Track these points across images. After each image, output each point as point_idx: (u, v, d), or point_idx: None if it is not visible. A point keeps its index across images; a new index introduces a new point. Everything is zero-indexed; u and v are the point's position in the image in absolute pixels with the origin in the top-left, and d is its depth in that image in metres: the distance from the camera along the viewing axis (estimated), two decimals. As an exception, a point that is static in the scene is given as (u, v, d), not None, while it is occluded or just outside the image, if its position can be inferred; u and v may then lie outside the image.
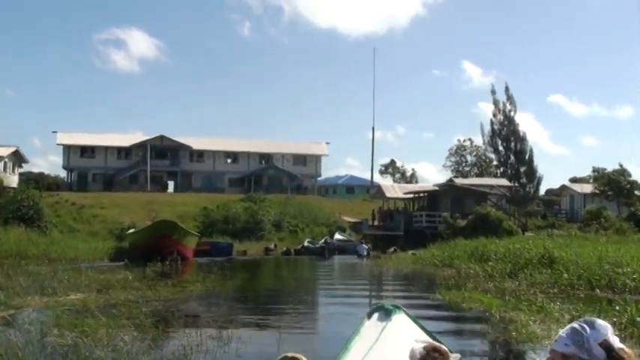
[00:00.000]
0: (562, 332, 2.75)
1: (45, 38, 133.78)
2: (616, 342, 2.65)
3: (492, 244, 33.22)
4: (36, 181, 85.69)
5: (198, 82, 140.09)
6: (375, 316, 6.23)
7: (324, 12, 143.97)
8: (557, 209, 65.39)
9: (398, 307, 6.41)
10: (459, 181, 65.03)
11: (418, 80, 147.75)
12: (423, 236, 47.80)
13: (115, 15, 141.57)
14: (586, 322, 2.70)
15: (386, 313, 6.18)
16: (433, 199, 53.71)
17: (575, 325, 2.72)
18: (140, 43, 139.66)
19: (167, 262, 30.55)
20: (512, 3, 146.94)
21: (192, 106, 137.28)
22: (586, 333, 2.64)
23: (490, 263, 28.23)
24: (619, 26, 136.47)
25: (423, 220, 51.24)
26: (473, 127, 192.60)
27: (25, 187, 56.35)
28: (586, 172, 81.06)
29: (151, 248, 31.99)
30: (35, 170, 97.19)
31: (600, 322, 2.71)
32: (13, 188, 54.45)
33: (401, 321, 6.11)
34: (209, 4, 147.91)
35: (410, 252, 42.91)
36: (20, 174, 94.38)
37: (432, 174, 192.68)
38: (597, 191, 58.61)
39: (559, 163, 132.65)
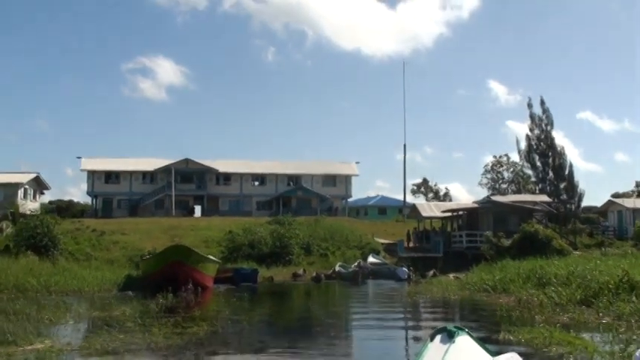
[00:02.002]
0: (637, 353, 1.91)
1: (75, 70, 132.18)
2: None
3: (550, 265, 28.40)
4: (65, 209, 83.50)
5: (224, 108, 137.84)
6: (438, 338, 5.92)
7: (348, 34, 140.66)
8: (605, 226, 59.89)
9: (461, 329, 6.02)
10: (497, 198, 60.01)
11: (444, 100, 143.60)
12: (463, 258, 43.16)
13: (142, 44, 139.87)
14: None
15: (449, 335, 5.84)
16: (473, 217, 48.82)
17: None
18: (167, 70, 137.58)
19: (181, 293, 26.20)
20: (536, 21, 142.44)
21: (219, 130, 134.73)
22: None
23: (552, 288, 23.49)
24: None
25: (463, 240, 46.37)
26: (502, 146, 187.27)
27: (43, 213, 53.27)
28: (621, 188, 76.23)
29: (164, 277, 27.81)
30: (66, 198, 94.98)
31: None
32: (36, 216, 50.99)
33: (465, 343, 5.77)
34: (233, 30, 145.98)
35: (451, 275, 38.33)
36: (50, 202, 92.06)
37: (463, 194, 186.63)
38: (650, 205, 53.20)
39: (592, 180, 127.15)
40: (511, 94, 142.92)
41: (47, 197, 77.09)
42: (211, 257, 36.55)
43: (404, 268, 42.00)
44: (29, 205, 58.50)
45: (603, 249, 44.10)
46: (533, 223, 42.72)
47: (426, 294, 28.41)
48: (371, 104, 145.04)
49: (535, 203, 52.23)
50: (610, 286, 21.12)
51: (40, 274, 29.16)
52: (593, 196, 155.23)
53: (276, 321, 20.46)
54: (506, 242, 42.00)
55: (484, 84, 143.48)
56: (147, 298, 24.47)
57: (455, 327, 6.16)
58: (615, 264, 25.92)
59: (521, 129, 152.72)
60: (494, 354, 5.56)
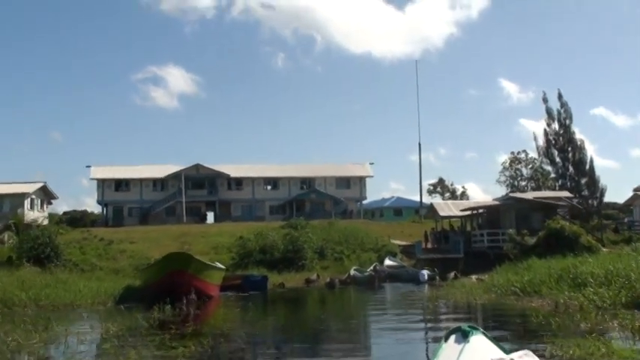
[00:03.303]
0: None
1: (87, 81, 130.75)
2: None
3: (584, 264, 25.51)
4: (79, 219, 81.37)
5: (235, 114, 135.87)
6: (453, 338, 5.82)
7: (357, 38, 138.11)
8: (631, 221, 56.71)
9: (475, 328, 5.91)
10: (518, 195, 56.98)
11: (456, 100, 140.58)
12: (485, 258, 40.28)
13: (153, 53, 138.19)
14: None
15: (463, 335, 5.74)
16: (493, 215, 45.92)
17: None
18: (178, 79, 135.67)
19: (180, 304, 23.65)
20: (545, 18, 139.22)
21: (230, 137, 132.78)
22: None
23: (591, 290, 20.67)
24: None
25: (484, 239, 43.46)
26: (516, 145, 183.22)
27: (52, 224, 51.23)
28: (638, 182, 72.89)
29: (164, 287, 25.28)
30: (81, 208, 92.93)
31: None
32: (37, 226, 48.81)
33: (479, 342, 5.62)
34: (242, 37, 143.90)
35: (473, 277, 35.40)
36: (65, 212, 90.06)
37: (478, 194, 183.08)
38: (679, 198, 50.03)
39: (609, 176, 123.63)
40: (523, 92, 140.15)
41: (63, 207, 75.36)
42: (217, 264, 34.04)
43: (424, 271, 39.20)
44: (33, 215, 56.28)
45: (634, 245, 41.00)
46: (558, 219, 39.76)
47: (448, 298, 25.57)
48: (382, 107, 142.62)
49: (558, 199, 49.25)
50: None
51: (30, 286, 26.65)
52: (611, 193, 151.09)
53: (280, 336, 17.74)
54: (531, 240, 39.08)
55: (495, 83, 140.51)
56: (144, 311, 21.99)
57: (469, 326, 6.01)
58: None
59: (534, 127, 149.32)
60: (509, 352, 5.22)
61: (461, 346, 5.70)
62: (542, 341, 12.98)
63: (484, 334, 6.03)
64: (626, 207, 66.83)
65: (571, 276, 23.71)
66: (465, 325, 6.21)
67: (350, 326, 19.83)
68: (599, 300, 18.92)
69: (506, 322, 18.13)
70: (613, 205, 74.00)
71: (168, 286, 25.19)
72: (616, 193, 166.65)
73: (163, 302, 22.15)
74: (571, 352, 11.68)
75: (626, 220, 59.43)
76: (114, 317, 19.96)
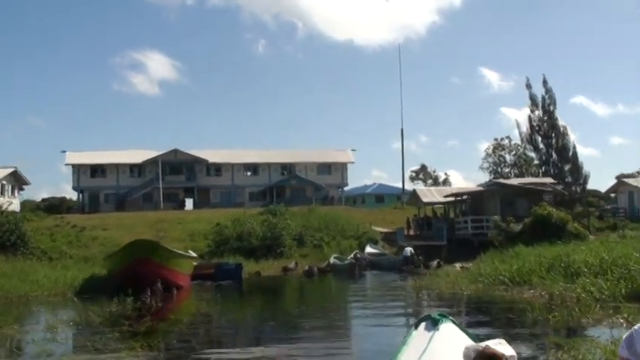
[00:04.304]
0: (624, 336, 2.57)
1: (66, 65, 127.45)
2: None
3: (577, 252, 23.78)
4: (57, 206, 78.72)
5: (215, 100, 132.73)
6: (422, 325, 5.81)
7: (340, 25, 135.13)
8: (616, 208, 55.26)
9: (445, 316, 5.84)
10: (502, 181, 55.32)
11: (437, 89, 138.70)
12: (469, 245, 38.62)
13: (134, 38, 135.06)
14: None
15: (433, 323, 5.70)
16: (478, 201, 44.15)
17: (632, 329, 2.55)
18: (158, 64, 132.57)
19: (146, 295, 21.60)
20: (526, 7, 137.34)
21: (210, 123, 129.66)
22: (635, 335, 2.51)
23: (586, 280, 18.91)
24: (637, 24, 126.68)
25: (468, 226, 41.69)
26: (497, 133, 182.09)
27: (27, 211, 48.95)
28: (619, 171, 72.18)
29: (128, 277, 23.23)
30: (60, 195, 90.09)
31: None
32: (2, 212, 46.20)
33: (449, 330, 5.57)
34: (223, 23, 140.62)
35: (457, 265, 33.65)
36: (44, 199, 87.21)
37: (460, 181, 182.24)
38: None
39: (590, 164, 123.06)
40: (504, 80, 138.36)
41: (42, 194, 72.75)
42: (190, 252, 32.02)
43: (409, 248, 37.42)
44: (2, 200, 53.64)
45: (621, 232, 39.49)
46: (545, 205, 38.12)
47: (433, 288, 23.71)
48: (364, 94, 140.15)
49: (543, 185, 47.60)
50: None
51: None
52: (592, 180, 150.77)
53: (245, 335, 15.72)
54: (516, 227, 37.49)
55: (477, 71, 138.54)
56: (104, 303, 19.99)
57: (439, 314, 5.93)
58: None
59: (515, 115, 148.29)
60: (478, 340, 4.95)
61: (431, 333, 5.62)
62: (544, 343, 11.12)
63: (454, 322, 5.94)
64: (607, 195, 65.61)
65: (563, 265, 22.03)
66: (434, 313, 6.08)
67: (328, 322, 17.86)
68: (597, 292, 17.17)
69: (498, 317, 16.32)
70: (595, 193, 72.74)
71: (132, 275, 23.15)
72: (597, 181, 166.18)
73: (125, 293, 20.15)
74: (582, 356, 9.80)
75: (609, 207, 58.08)
76: (66, 310, 17.92)
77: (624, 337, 2.65)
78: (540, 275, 21.62)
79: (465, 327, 6.10)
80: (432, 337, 5.54)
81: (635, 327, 2.65)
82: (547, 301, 17.02)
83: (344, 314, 20.74)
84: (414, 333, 5.88)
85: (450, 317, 6.00)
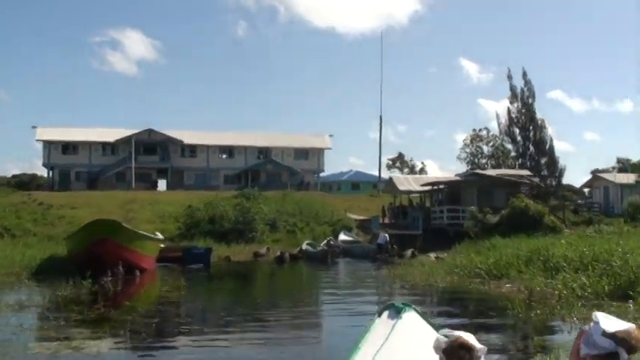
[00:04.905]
0: (581, 338, 2.49)
1: (43, 42, 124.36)
2: (614, 326, 2.39)
3: (556, 246, 22.90)
4: (28, 182, 76.67)
5: (194, 82, 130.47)
6: (385, 314, 5.76)
7: (321, 11, 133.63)
8: (591, 202, 54.79)
9: (408, 305, 5.83)
10: (480, 171, 54.49)
11: (417, 78, 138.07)
12: (444, 235, 37.74)
13: (112, 16, 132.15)
14: (593, 317, 2.49)
15: (396, 311, 5.70)
16: (455, 191, 43.21)
17: (584, 329, 2.50)
18: (137, 43, 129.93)
19: (105, 278, 20.31)
20: (507, 1, 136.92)
21: (187, 104, 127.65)
22: (589, 328, 2.44)
23: (566, 275, 17.99)
24: (615, 20, 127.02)
25: (444, 216, 40.80)
26: (474, 124, 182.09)
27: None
28: (593, 166, 71.93)
29: (88, 258, 21.92)
30: (32, 172, 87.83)
31: (597, 313, 2.49)
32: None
33: (412, 319, 5.60)
34: (204, 4, 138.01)
35: (432, 255, 32.76)
36: (14, 175, 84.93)
37: (435, 171, 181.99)
38: (642, 180, 47.98)
39: (565, 159, 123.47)
40: (483, 72, 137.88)
41: (13, 170, 70.66)
42: (157, 234, 30.75)
43: (385, 235, 36.50)
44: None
45: (596, 226, 38.86)
46: (522, 197, 37.31)
47: (407, 279, 22.64)
48: (344, 82, 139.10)
49: (520, 177, 46.85)
50: (649, 274, 15.67)
51: None
52: (566, 175, 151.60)
53: (206, 325, 14.50)
54: (493, 218, 36.60)
55: (456, 62, 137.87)
56: (60, 286, 18.69)
57: (402, 303, 5.90)
58: (634, 244, 20.51)
59: (493, 107, 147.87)
60: (439, 329, 4.47)
61: (393, 321, 5.63)
62: (529, 347, 10.09)
63: (417, 311, 5.89)
64: (581, 190, 65.23)
65: (542, 259, 21.11)
66: (397, 302, 6.06)
67: (297, 311, 16.71)
68: (579, 288, 16.22)
69: (478, 313, 15.25)
70: (569, 187, 72.40)
71: (92, 256, 21.84)
72: (570, 176, 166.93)
73: (83, 276, 18.87)
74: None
75: (582, 201, 57.63)
76: (16, 293, 16.58)
77: (581, 339, 2.49)
78: (518, 269, 20.71)
79: (427, 317, 6.00)
80: (394, 325, 5.53)
81: (585, 327, 2.54)
82: (527, 297, 16.03)
83: (314, 303, 19.66)
84: (377, 321, 5.84)
85: (413, 306, 5.91)
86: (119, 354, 10.14)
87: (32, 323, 11.78)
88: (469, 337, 2.85)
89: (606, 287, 15.96)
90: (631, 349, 2.40)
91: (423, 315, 5.90)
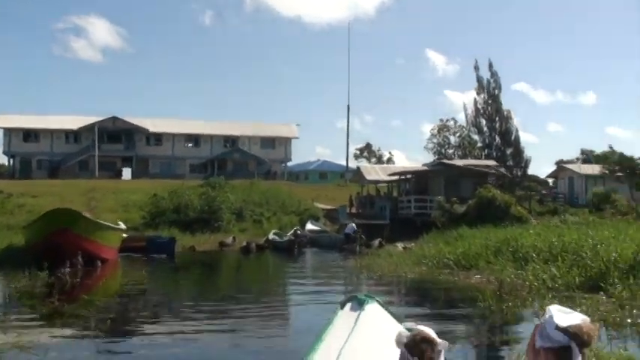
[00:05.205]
0: (535, 331, 2.54)
1: (3, 28, 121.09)
2: (566, 320, 2.43)
3: (524, 236, 22.68)
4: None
5: (159, 70, 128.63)
6: (348, 306, 5.77)
7: (288, 1, 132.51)
8: (556, 193, 55.12)
9: (371, 297, 5.87)
10: (448, 162, 54.40)
11: (383, 69, 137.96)
12: (412, 225, 37.50)
13: (76, 3, 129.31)
14: (547, 311, 2.53)
15: (359, 303, 5.71)
16: (422, 181, 43.01)
17: (540, 322, 2.54)
18: (101, 30, 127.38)
19: (64, 269, 19.47)
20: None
21: (153, 92, 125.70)
22: (544, 321, 2.48)
23: (537, 266, 17.73)
24: (579, 12, 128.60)
25: (411, 205, 40.56)
26: (440, 115, 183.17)
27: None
28: (557, 157, 72.61)
29: (47, 248, 21.04)
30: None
31: (551, 307, 2.55)
32: None
33: (374, 310, 5.62)
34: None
35: (399, 245, 32.42)
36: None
37: (402, 161, 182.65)
38: (606, 172, 48.27)
39: (529, 150, 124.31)
40: (449, 63, 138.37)
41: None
42: (120, 224, 29.85)
43: (352, 225, 36.12)
44: None
45: (562, 216, 38.96)
46: (489, 187, 37.20)
47: (375, 270, 22.16)
48: (311, 72, 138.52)
49: (487, 167, 46.84)
50: (620, 265, 15.43)
51: None
52: (536, 166, 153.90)
53: (166, 318, 13.82)
54: (460, 208, 36.43)
55: (423, 53, 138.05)
56: (14, 277, 17.87)
57: (365, 295, 5.95)
58: (603, 234, 20.36)
59: (459, 98, 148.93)
60: (402, 320, 5.14)
61: (356, 313, 5.58)
62: (497, 343, 9.68)
63: (379, 302, 5.91)
64: (545, 180, 65.75)
65: (511, 249, 20.84)
66: (360, 294, 6.09)
67: (262, 303, 16.13)
68: (550, 280, 15.93)
69: (448, 305, 14.84)
70: (534, 178, 72.93)
71: (50, 247, 20.96)
72: (535, 167, 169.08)
73: (40, 267, 18.05)
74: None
75: (546, 192, 57.98)
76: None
77: (535, 331, 2.46)
78: (487, 260, 20.40)
79: (389, 308, 5.99)
80: (357, 317, 5.48)
81: (541, 320, 2.47)
82: (497, 289, 15.68)
83: (281, 293, 19.12)
84: (340, 313, 5.84)
85: (376, 298, 5.92)
86: (72, 352, 9.44)
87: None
88: (430, 332, 2.85)
89: (577, 279, 15.69)
90: (583, 344, 2.45)
91: (385, 306, 5.88)
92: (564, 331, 2.41)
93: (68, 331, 10.77)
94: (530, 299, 13.92)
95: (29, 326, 10.77)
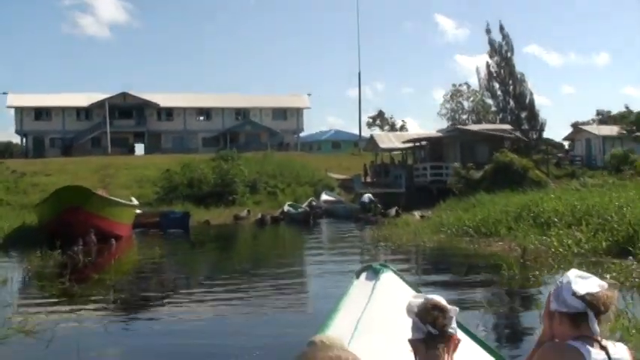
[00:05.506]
0: (551, 292, 2.58)
1: (11, 8, 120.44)
2: (584, 287, 2.42)
3: (545, 200, 22.03)
4: (3, 151, 74.56)
5: (167, 43, 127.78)
6: (364, 275, 5.66)
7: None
8: (573, 156, 54.14)
9: (386, 266, 5.76)
10: (463, 127, 53.57)
11: (393, 35, 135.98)
12: (428, 193, 36.97)
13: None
14: (564, 276, 2.54)
15: (374, 272, 5.60)
16: (437, 148, 42.28)
17: (557, 282, 2.56)
18: (107, 5, 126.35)
19: (75, 248, 19.16)
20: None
21: (162, 66, 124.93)
22: (561, 285, 2.48)
23: (560, 231, 17.14)
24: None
25: (427, 173, 39.88)
26: (452, 80, 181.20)
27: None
28: (573, 119, 71.39)
29: (59, 227, 20.72)
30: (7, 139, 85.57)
31: (569, 272, 2.55)
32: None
33: (390, 279, 5.50)
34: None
35: (416, 213, 31.84)
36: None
37: (415, 129, 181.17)
38: (624, 132, 47.23)
39: (542, 113, 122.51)
40: (459, 27, 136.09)
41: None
42: (132, 200, 29.52)
43: (368, 194, 35.62)
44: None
45: (581, 179, 38.16)
46: (506, 152, 36.43)
47: (393, 240, 21.66)
48: (320, 39, 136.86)
49: (503, 131, 45.95)
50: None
51: None
52: (546, 129, 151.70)
53: (181, 299, 13.38)
54: (477, 174, 35.76)
55: (431, 18, 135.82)
56: (27, 257, 17.56)
57: (380, 264, 5.85)
58: (628, 196, 19.64)
59: (470, 63, 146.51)
60: (419, 290, 5.06)
61: (372, 282, 5.45)
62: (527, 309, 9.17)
63: (395, 272, 5.69)
64: (560, 144, 64.69)
65: (532, 214, 20.25)
66: (375, 263, 5.91)
67: (279, 276, 15.69)
68: (575, 245, 15.35)
69: (470, 274, 14.28)
70: (549, 141, 71.84)
71: (62, 225, 20.61)
72: (549, 130, 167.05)
73: (52, 246, 17.74)
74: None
75: (563, 155, 57.03)
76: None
77: (551, 292, 2.53)
78: (508, 226, 19.83)
79: (405, 277, 5.81)
80: (373, 286, 5.40)
81: (560, 279, 2.52)
82: (520, 256, 15.13)
83: (298, 265, 18.65)
84: (356, 282, 5.74)
85: (391, 267, 5.78)
86: (79, 335, 9.03)
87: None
88: (440, 299, 2.87)
89: (604, 243, 15.12)
90: (599, 312, 2.43)
91: (400, 275, 5.74)
92: (582, 298, 2.40)
93: (77, 313, 10.37)
94: (556, 266, 13.34)
95: (38, 307, 10.39)
